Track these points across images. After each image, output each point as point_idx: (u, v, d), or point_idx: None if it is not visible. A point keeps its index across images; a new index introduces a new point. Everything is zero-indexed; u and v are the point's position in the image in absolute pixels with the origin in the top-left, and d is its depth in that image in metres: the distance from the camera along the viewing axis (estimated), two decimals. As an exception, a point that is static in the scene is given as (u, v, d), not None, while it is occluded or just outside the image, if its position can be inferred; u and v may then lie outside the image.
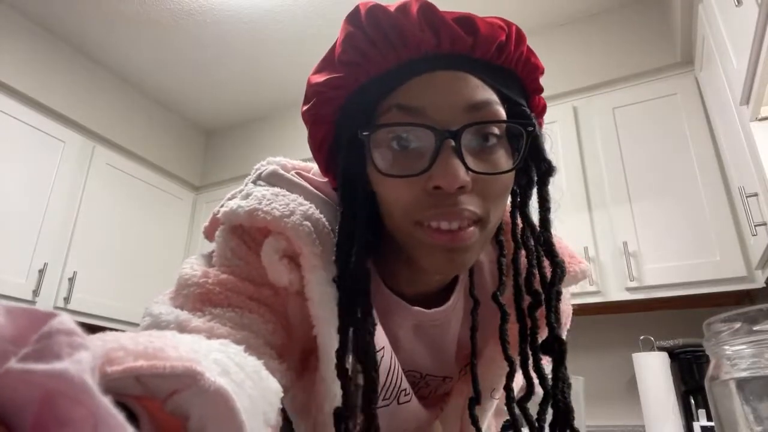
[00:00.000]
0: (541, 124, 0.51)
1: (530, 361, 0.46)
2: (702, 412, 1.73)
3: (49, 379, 0.15)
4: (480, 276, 0.58)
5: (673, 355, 1.84)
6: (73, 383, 0.15)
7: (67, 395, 0.15)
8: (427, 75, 0.43)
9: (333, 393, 0.45)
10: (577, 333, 2.48)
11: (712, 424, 1.59)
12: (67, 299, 2.31)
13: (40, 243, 2.26)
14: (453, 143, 0.40)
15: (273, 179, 0.51)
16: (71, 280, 2.34)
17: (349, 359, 0.43)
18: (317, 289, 0.45)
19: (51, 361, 0.15)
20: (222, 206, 0.50)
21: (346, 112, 0.47)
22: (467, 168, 0.41)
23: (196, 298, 0.44)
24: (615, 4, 2.29)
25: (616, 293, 1.90)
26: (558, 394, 0.43)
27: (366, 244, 0.46)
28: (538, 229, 0.48)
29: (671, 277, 1.82)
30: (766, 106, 1.35)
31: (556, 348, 0.44)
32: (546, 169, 0.48)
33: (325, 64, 0.47)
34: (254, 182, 0.52)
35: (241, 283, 0.45)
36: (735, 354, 0.47)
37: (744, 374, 0.46)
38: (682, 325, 1.96)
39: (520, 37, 0.45)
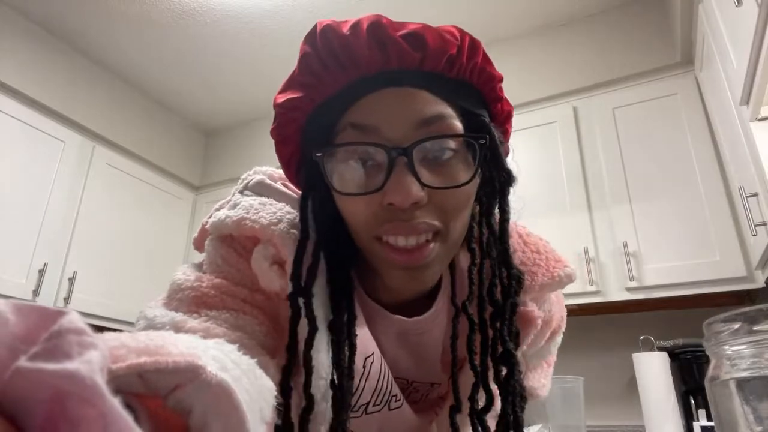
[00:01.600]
0: (507, 132, 0.52)
1: (490, 372, 0.46)
2: (702, 412, 1.73)
3: (59, 379, 0.15)
4: (460, 283, 0.56)
5: (673, 355, 1.84)
6: (84, 384, 0.15)
7: (78, 395, 0.15)
8: (377, 93, 0.43)
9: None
10: (577, 333, 2.49)
11: (712, 424, 1.59)
12: (67, 299, 2.31)
13: (40, 243, 2.26)
14: (406, 160, 0.41)
15: (260, 189, 0.52)
16: (71, 280, 2.34)
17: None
18: None
19: (61, 361, 0.15)
20: (210, 217, 0.50)
21: (307, 132, 0.47)
22: (422, 183, 0.41)
23: (191, 301, 0.44)
24: (615, 4, 2.29)
25: (616, 293, 1.90)
26: (508, 407, 0.43)
27: (343, 255, 0.47)
28: (497, 240, 0.48)
29: (671, 277, 1.82)
30: (766, 106, 1.35)
31: (507, 361, 0.44)
32: (505, 179, 0.47)
33: (288, 84, 0.47)
34: (241, 192, 0.52)
35: (235, 287, 0.46)
36: (735, 354, 0.47)
37: (744, 374, 0.46)
38: (682, 325, 1.96)
39: (474, 47, 0.45)
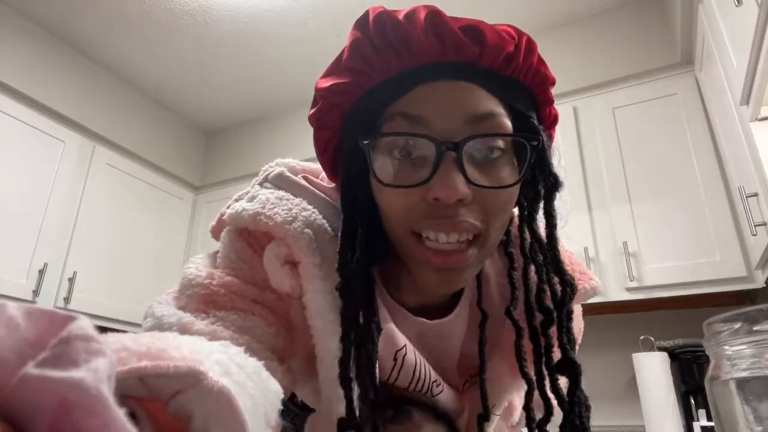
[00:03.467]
0: (552, 136, 0.51)
1: (546, 381, 0.45)
2: (702, 412, 1.73)
3: (65, 387, 0.15)
4: (486, 289, 0.56)
5: (673, 355, 1.84)
6: (89, 394, 0.15)
7: (82, 405, 0.15)
8: (431, 84, 0.42)
9: (334, 402, 0.45)
10: (577, 333, 2.44)
11: (712, 424, 1.59)
12: (67, 299, 2.31)
13: (40, 243, 2.26)
14: (454, 155, 0.40)
15: (279, 182, 0.50)
16: (71, 280, 2.34)
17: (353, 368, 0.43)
18: (314, 299, 0.44)
19: (68, 368, 0.15)
20: (228, 207, 0.50)
21: (351, 118, 0.46)
22: (468, 181, 0.40)
23: (200, 300, 0.43)
24: (615, 4, 2.29)
25: (616, 293, 1.90)
26: (575, 417, 0.42)
27: (370, 251, 0.46)
28: (546, 245, 0.47)
29: (671, 277, 1.82)
30: (766, 106, 1.35)
31: (571, 370, 0.43)
32: (552, 184, 0.47)
33: (333, 69, 0.46)
34: (261, 184, 0.51)
35: (245, 286, 0.45)
36: (735, 354, 0.47)
37: (744, 374, 0.46)
38: (682, 325, 1.96)
39: (531, 47, 0.44)
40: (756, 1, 1.13)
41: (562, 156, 2.13)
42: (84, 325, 0.16)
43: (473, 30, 0.42)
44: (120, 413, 0.16)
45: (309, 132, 0.51)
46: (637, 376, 1.78)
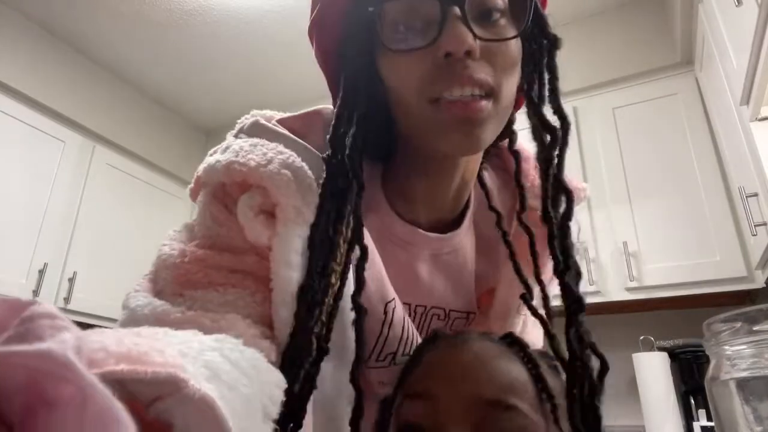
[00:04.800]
0: (544, 2, 0.53)
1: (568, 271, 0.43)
2: (702, 412, 1.73)
3: (32, 359, 0.15)
4: (491, 197, 0.57)
5: (673, 355, 1.84)
6: (57, 361, 0.15)
7: (53, 374, 0.15)
8: None
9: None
10: (577, 333, 2.43)
11: (712, 424, 1.59)
12: (67, 299, 2.31)
13: (40, 243, 2.26)
14: (458, 11, 0.41)
15: (253, 130, 0.48)
16: (71, 280, 2.34)
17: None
18: (285, 242, 0.41)
19: (33, 342, 0.15)
20: (203, 164, 0.48)
21: (352, 8, 0.46)
22: (474, 35, 0.41)
23: (175, 282, 0.42)
24: (615, 4, 2.29)
25: (616, 293, 1.90)
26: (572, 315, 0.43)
27: (377, 149, 0.48)
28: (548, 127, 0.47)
29: (671, 277, 1.82)
30: (766, 106, 1.35)
31: (575, 269, 0.42)
32: (552, 41, 0.48)
33: None
34: (235, 135, 0.49)
35: (221, 256, 0.43)
36: (735, 354, 0.47)
37: (744, 374, 0.46)
38: (682, 325, 1.96)
39: None
40: (756, 1, 1.13)
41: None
42: (48, 307, 0.16)
43: None
44: (92, 377, 0.15)
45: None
46: (637, 376, 1.78)
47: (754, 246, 1.61)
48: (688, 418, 1.76)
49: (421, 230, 0.52)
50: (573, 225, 0.44)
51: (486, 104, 0.43)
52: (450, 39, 0.40)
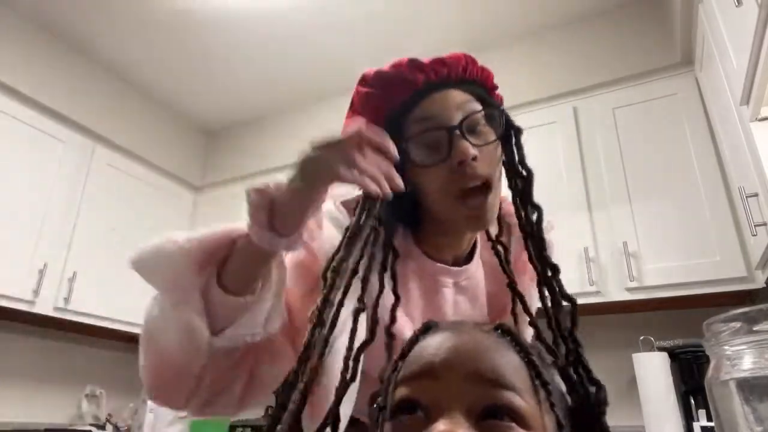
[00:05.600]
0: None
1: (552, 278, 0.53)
2: (702, 412, 1.72)
3: None
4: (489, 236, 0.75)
5: (673, 355, 1.84)
6: None
7: None
8: (427, 97, 0.64)
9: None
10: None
11: (712, 424, 1.59)
12: (67, 299, 2.31)
13: (40, 243, 2.26)
14: (458, 133, 0.60)
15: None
16: (71, 280, 2.33)
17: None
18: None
19: None
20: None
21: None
22: (473, 145, 0.60)
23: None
24: (615, 4, 2.29)
25: (616, 293, 1.90)
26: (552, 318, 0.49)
27: (409, 224, 0.69)
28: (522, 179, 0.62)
29: (671, 277, 1.82)
30: (766, 106, 1.35)
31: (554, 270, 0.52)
32: (517, 130, 0.64)
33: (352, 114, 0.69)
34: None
35: None
36: (735, 354, 0.47)
37: (744, 374, 0.46)
38: (682, 325, 1.95)
39: (473, 59, 0.67)
40: (756, 1, 1.13)
41: (562, 156, 2.13)
42: None
43: (439, 59, 0.65)
44: None
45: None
46: (637, 376, 1.78)
47: (754, 246, 1.61)
48: (688, 418, 1.76)
49: (446, 266, 0.71)
50: (547, 242, 0.55)
51: (489, 201, 0.61)
52: (459, 153, 0.59)
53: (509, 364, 0.39)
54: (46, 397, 2.53)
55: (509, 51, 2.47)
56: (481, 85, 0.68)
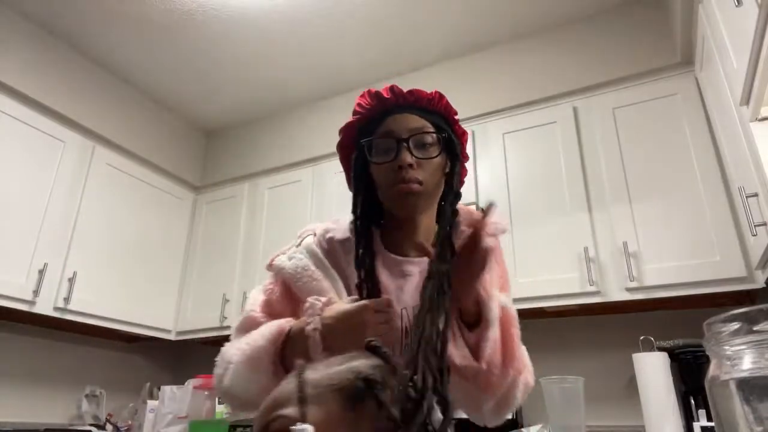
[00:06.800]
0: (463, 143, 0.91)
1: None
2: (702, 412, 1.72)
3: None
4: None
5: (673, 355, 1.84)
6: None
7: None
8: (392, 116, 0.84)
9: None
10: (577, 333, 2.48)
11: (712, 424, 1.59)
12: (67, 299, 2.31)
13: (40, 243, 2.26)
14: (405, 144, 0.81)
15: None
16: (71, 280, 2.34)
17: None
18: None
19: None
20: (277, 256, 0.89)
21: (358, 137, 0.89)
22: (413, 155, 0.81)
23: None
24: (615, 4, 2.29)
25: (616, 293, 1.90)
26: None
27: (370, 215, 0.88)
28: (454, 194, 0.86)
29: (671, 277, 1.82)
30: (766, 106, 1.35)
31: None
32: (457, 156, 0.87)
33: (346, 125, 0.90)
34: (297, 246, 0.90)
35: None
36: (735, 354, 0.47)
37: (744, 374, 0.46)
38: (682, 325, 1.96)
39: (441, 96, 0.87)
40: (756, 1, 1.13)
41: (562, 156, 2.13)
42: None
43: (412, 91, 0.86)
44: None
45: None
46: (637, 376, 1.78)
47: (754, 246, 1.61)
48: (688, 418, 1.76)
49: (400, 257, 0.87)
50: (492, 246, 0.72)
51: (417, 186, 0.81)
52: (400, 159, 0.80)
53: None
54: (46, 397, 2.53)
55: (509, 51, 2.47)
56: (443, 116, 0.87)
